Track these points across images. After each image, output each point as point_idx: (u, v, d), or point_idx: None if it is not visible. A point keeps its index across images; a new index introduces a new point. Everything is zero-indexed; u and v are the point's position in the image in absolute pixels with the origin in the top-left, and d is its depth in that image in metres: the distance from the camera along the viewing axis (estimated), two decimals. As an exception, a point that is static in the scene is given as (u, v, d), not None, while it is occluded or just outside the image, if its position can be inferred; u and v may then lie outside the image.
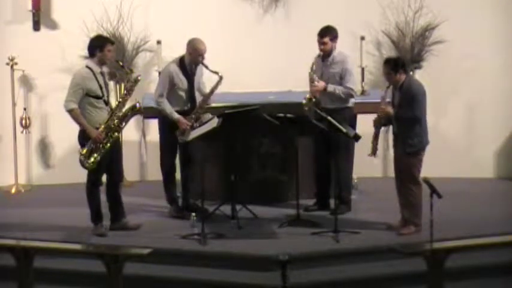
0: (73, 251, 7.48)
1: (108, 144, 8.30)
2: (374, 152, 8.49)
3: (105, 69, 8.60)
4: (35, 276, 6.99)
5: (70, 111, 8.35)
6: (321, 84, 9.03)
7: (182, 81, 8.98)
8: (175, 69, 9.01)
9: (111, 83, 9.97)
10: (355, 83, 9.21)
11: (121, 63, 8.73)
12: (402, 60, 8.66)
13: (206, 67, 8.99)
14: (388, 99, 8.49)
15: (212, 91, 8.98)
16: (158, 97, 8.96)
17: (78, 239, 8.25)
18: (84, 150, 8.29)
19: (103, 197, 8.58)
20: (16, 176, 10.53)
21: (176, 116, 8.94)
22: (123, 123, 8.42)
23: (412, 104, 8.28)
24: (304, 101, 9.02)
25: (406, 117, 8.29)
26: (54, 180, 10.73)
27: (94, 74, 8.35)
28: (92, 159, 8.28)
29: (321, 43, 9.07)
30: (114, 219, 8.63)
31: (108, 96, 8.42)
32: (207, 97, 9.01)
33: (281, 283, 7.31)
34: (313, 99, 9.02)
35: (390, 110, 8.37)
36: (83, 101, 8.33)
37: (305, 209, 9.18)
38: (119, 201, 8.63)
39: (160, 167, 9.21)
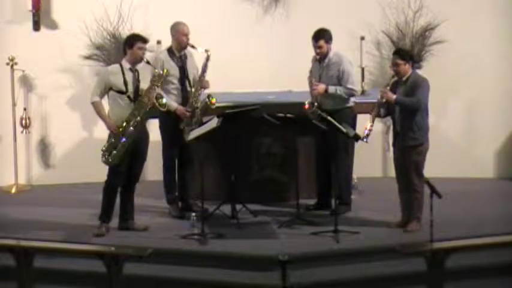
0: (73, 251, 7.47)
1: (124, 139, 8.29)
2: (367, 135, 8.44)
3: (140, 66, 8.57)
4: (35, 276, 6.99)
5: (92, 104, 8.46)
6: (321, 86, 9.00)
7: (173, 68, 8.99)
8: (164, 56, 9.07)
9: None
10: (355, 82, 9.19)
11: (147, 60, 8.68)
12: (411, 53, 8.69)
13: (193, 47, 9.01)
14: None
15: (204, 70, 8.98)
16: None
17: (78, 239, 8.25)
18: (105, 146, 8.33)
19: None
20: (16, 176, 10.53)
21: (174, 105, 8.95)
22: (143, 119, 8.41)
23: (417, 91, 8.30)
24: (306, 106, 8.95)
25: (408, 104, 8.28)
26: (54, 180, 10.73)
27: (122, 70, 8.40)
28: (112, 155, 8.31)
29: (317, 47, 9.01)
30: (122, 218, 8.64)
31: (136, 93, 8.40)
32: (200, 77, 8.97)
33: (281, 283, 7.31)
34: (316, 103, 8.96)
35: (391, 94, 8.35)
36: (110, 95, 8.43)
37: (306, 209, 9.18)
38: (131, 201, 8.65)
39: (163, 165, 9.23)
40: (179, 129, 8.94)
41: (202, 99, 8.98)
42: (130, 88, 8.39)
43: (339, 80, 9.04)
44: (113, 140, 8.33)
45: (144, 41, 8.60)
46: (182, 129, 8.90)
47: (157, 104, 8.37)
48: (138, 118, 8.35)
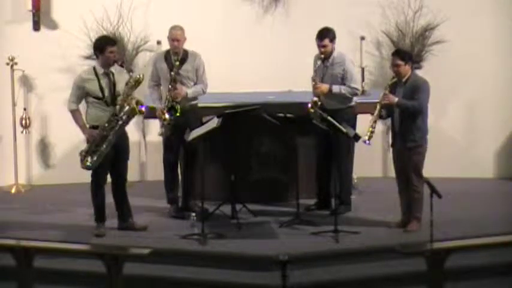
0: (73, 251, 7.48)
1: (104, 146, 8.29)
2: (369, 138, 8.44)
3: (117, 68, 8.52)
4: (35, 276, 6.99)
5: (70, 112, 8.47)
6: (324, 86, 8.99)
7: (163, 69, 8.99)
8: (158, 56, 9.14)
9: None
10: (358, 82, 9.20)
11: (120, 63, 8.68)
12: (411, 54, 8.68)
13: (186, 52, 8.97)
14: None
15: (175, 72, 8.90)
16: (149, 83, 9.01)
17: (78, 239, 8.25)
18: (83, 151, 8.32)
19: (110, 198, 8.60)
20: (16, 176, 10.53)
21: (157, 105, 8.97)
22: (121, 124, 8.38)
23: (417, 94, 8.30)
24: (310, 105, 8.94)
25: (409, 107, 8.28)
26: (54, 180, 10.74)
27: (96, 75, 8.36)
28: (89, 160, 8.30)
29: (322, 46, 9.01)
30: (121, 219, 8.64)
31: (112, 97, 8.37)
32: (169, 87, 8.90)
33: (281, 283, 7.31)
34: (319, 102, 8.96)
35: (393, 97, 8.36)
36: (87, 100, 8.41)
37: (306, 209, 9.18)
38: (125, 201, 8.64)
39: (163, 165, 9.23)
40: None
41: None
42: (107, 93, 8.37)
43: (343, 80, 9.04)
44: (90, 147, 8.31)
45: (114, 43, 8.58)
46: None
47: (137, 110, 8.33)
48: (120, 122, 8.33)
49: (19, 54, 10.41)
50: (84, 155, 8.34)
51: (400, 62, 8.38)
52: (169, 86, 8.89)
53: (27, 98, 10.77)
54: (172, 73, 8.89)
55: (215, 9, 10.73)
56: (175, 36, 8.96)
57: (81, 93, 8.40)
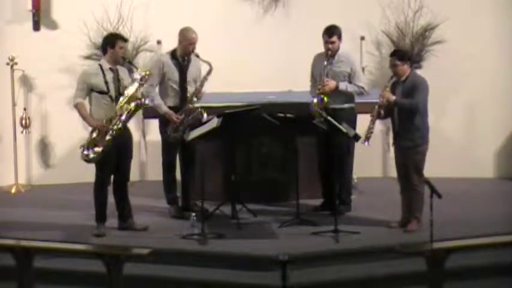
0: (73, 251, 7.47)
1: (108, 137, 8.27)
2: (367, 138, 8.45)
3: (119, 67, 8.52)
4: (35, 276, 6.99)
5: (75, 106, 8.42)
6: (332, 82, 8.97)
7: (173, 72, 8.95)
8: (166, 59, 9.02)
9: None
10: (365, 82, 9.16)
11: (128, 60, 8.69)
12: (409, 53, 8.68)
13: (197, 56, 8.96)
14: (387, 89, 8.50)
15: (202, 82, 8.93)
16: (148, 87, 8.87)
17: (78, 239, 8.25)
18: (85, 142, 8.28)
19: (110, 198, 8.59)
20: (16, 176, 10.53)
21: (164, 108, 8.94)
22: (126, 118, 8.37)
23: (414, 93, 8.30)
24: (315, 100, 8.94)
25: (406, 106, 8.29)
26: (54, 180, 10.74)
27: (102, 70, 8.36)
28: (92, 152, 8.26)
29: (330, 42, 8.97)
30: (121, 218, 8.64)
31: (117, 93, 8.35)
32: (198, 89, 8.94)
33: (281, 283, 7.31)
34: (326, 99, 8.92)
35: (391, 96, 8.36)
36: (91, 96, 8.38)
37: (314, 209, 9.16)
38: (126, 200, 8.63)
39: (162, 166, 9.22)
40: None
41: (195, 112, 8.93)
42: (112, 88, 8.37)
43: (349, 78, 9.02)
44: (94, 136, 8.29)
45: (125, 40, 8.59)
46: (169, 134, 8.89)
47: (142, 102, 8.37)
48: (123, 118, 8.32)
49: (19, 54, 10.42)
50: (85, 147, 8.30)
51: (397, 62, 8.39)
52: (197, 88, 8.88)
53: (27, 98, 10.77)
54: (204, 78, 8.91)
55: (215, 9, 10.74)
56: (195, 40, 8.91)
57: (86, 87, 8.36)
